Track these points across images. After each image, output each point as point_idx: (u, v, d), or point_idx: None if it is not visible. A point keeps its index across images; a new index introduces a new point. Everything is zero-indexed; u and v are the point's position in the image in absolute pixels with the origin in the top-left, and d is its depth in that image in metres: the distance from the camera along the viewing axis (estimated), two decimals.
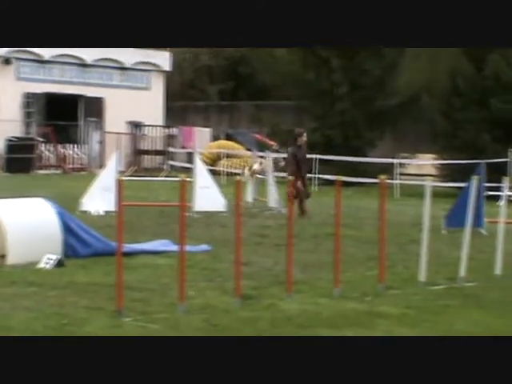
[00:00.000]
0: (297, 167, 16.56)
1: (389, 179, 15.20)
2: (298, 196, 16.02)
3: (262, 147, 28.83)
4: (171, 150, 35.05)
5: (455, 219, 13.28)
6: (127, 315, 7.39)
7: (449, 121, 26.85)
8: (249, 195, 19.18)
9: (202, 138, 35.94)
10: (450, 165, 26.40)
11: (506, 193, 11.16)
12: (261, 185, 19.74)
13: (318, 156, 27.38)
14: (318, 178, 26.98)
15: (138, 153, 35.40)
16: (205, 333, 6.86)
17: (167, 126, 37.12)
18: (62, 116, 33.85)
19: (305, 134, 17.03)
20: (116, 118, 34.92)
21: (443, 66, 27.89)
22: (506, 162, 24.01)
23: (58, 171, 32.20)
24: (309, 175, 27.13)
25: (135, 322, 7.21)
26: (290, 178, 11.36)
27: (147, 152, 35.67)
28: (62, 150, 33.78)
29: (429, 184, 9.44)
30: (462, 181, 17.61)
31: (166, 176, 28.83)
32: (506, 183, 10.97)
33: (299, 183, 16.28)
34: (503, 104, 25.53)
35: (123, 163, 30.66)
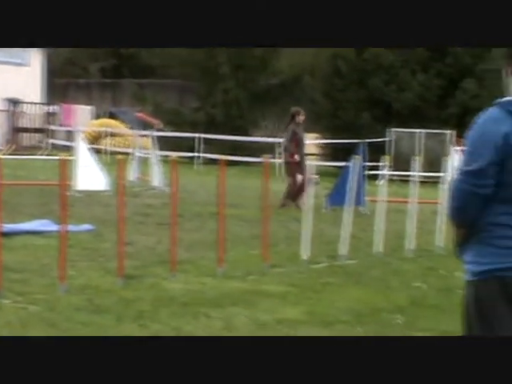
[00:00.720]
0: (296, 146, 14.98)
1: (272, 158, 15.30)
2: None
3: (146, 126, 28.55)
4: (51, 127, 34.29)
5: (337, 198, 13.48)
6: (6, 296, 7.19)
7: (330, 101, 27.28)
8: (132, 174, 18.97)
9: (83, 116, 35.30)
10: (332, 144, 26.85)
11: (385, 172, 11.40)
12: (144, 163, 19.56)
13: (202, 135, 27.35)
14: (201, 157, 26.97)
15: (16, 131, 34.47)
16: (86, 313, 6.74)
17: (47, 103, 36.27)
18: None
19: (302, 113, 15.54)
20: None
21: (325, 48, 28.25)
22: (385, 141, 24.60)
23: None
24: (191, 154, 27.24)
25: (15, 304, 7.01)
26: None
27: (26, 130, 34.78)
28: None
29: (312, 164, 9.54)
30: (344, 160, 17.91)
31: (46, 154, 28.19)
32: (385, 162, 11.21)
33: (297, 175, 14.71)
34: (383, 85, 26.11)
35: (0, 141, 29.82)
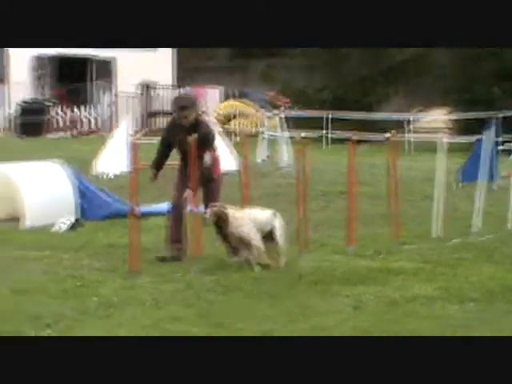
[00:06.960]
0: None
1: (400, 134, 15.12)
2: None
3: (274, 106, 28.72)
4: None
5: (469, 173, 13.24)
6: (141, 277, 7.40)
7: (461, 75, 26.63)
8: (260, 154, 19.14)
9: (213, 98, 35.78)
10: (464, 119, 26.23)
11: None
12: (273, 143, 19.69)
13: (330, 114, 27.26)
14: (329, 135, 26.89)
15: (149, 114, 35.29)
16: (216, 293, 6.88)
17: (178, 85, 36.93)
18: (72, 78, 33.76)
19: None
20: (127, 79, 34.78)
21: None
22: None
23: (68, 134, 32.14)
24: (319, 133, 27.18)
25: (151, 285, 7.20)
26: None
27: (159, 113, 35.54)
28: (73, 113, 33.72)
29: (442, 139, 9.39)
30: (476, 134, 17.49)
31: None
32: None
33: None
34: None
35: (134, 125, 30.59)
